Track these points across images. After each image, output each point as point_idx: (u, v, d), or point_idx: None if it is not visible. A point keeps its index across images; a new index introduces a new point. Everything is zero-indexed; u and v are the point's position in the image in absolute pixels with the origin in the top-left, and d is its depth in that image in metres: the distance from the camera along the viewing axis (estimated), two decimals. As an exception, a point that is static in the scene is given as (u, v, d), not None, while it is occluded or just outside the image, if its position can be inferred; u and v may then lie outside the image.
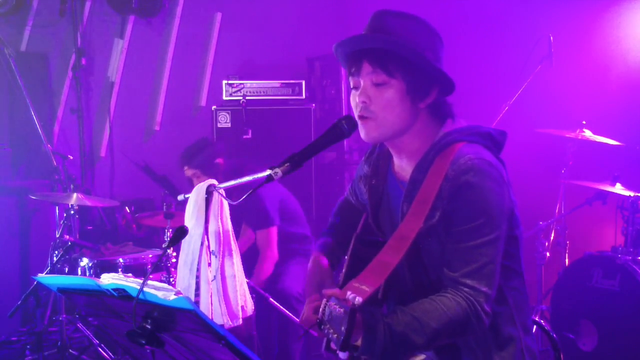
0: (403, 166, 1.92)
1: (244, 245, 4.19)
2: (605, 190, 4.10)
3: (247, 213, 3.97)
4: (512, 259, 1.85)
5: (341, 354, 1.61)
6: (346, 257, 2.10)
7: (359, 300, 1.60)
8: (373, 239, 2.14)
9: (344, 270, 2.06)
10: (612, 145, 4.24)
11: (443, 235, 1.79)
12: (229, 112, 4.88)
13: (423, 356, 1.93)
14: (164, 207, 3.89)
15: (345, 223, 2.24)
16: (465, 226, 1.75)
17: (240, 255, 2.76)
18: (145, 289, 1.54)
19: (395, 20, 1.81)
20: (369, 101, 1.82)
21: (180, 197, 2.67)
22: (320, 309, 1.77)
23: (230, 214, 3.96)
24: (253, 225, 4.01)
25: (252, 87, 4.96)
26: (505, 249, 1.80)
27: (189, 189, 2.67)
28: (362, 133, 1.86)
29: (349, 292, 1.64)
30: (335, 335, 1.61)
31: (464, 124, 1.89)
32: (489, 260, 1.74)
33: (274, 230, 3.98)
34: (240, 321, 2.66)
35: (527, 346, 1.88)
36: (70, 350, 3.97)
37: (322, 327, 1.72)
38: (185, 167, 4.12)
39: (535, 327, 2.16)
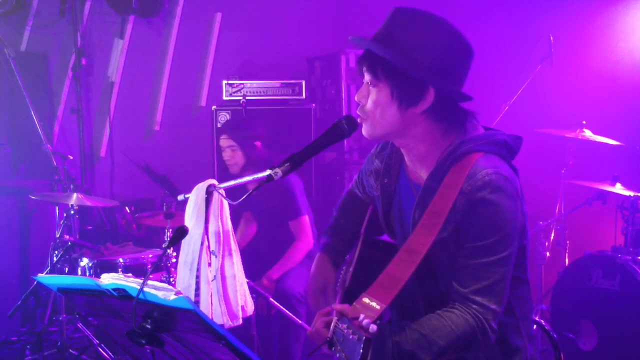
0: (415, 168, 1.90)
1: (244, 240, 4.19)
2: (605, 190, 4.10)
3: (276, 202, 3.99)
4: (519, 269, 1.84)
5: None
6: (353, 259, 2.09)
7: (373, 328, 1.58)
8: (380, 241, 2.13)
9: (351, 271, 2.06)
10: (612, 145, 4.24)
11: (454, 249, 1.77)
12: (229, 112, 4.88)
13: None
14: (164, 207, 3.89)
15: (350, 218, 2.25)
16: (479, 243, 1.73)
17: (240, 250, 2.75)
18: (145, 289, 1.54)
19: (404, 21, 1.78)
20: (364, 100, 1.83)
21: (180, 197, 2.66)
22: (331, 327, 1.76)
23: (256, 205, 3.96)
24: (284, 216, 4.02)
25: (252, 87, 4.96)
26: (514, 261, 1.79)
27: (189, 189, 2.66)
28: (362, 130, 1.89)
29: (361, 316, 1.63)
30: None
31: (480, 131, 1.85)
32: (500, 277, 1.73)
33: (305, 219, 4.02)
34: (240, 321, 2.66)
35: (532, 356, 1.89)
36: (70, 350, 3.96)
37: (333, 348, 1.72)
38: (224, 136, 4.10)
39: (535, 326, 2.16)
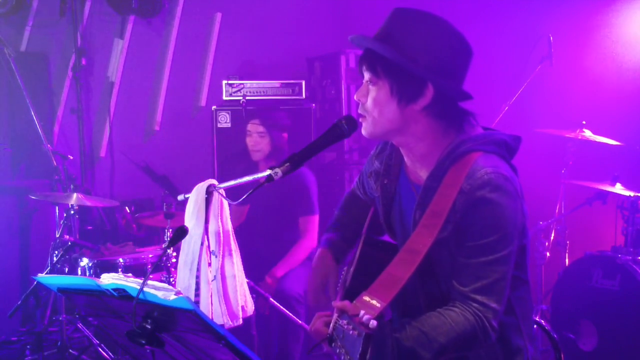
0: (415, 169, 1.91)
1: (237, 220, 4.15)
2: (605, 190, 4.10)
3: (291, 197, 4.00)
4: (519, 269, 1.85)
5: None
6: (354, 259, 2.10)
7: (373, 324, 1.59)
8: (381, 241, 2.14)
9: (352, 270, 2.06)
10: (612, 145, 4.24)
11: (454, 248, 1.78)
12: (229, 112, 4.88)
13: None
14: (164, 207, 3.89)
15: (352, 217, 2.26)
16: (479, 242, 1.73)
17: (235, 230, 2.74)
18: (145, 289, 1.54)
19: (403, 21, 1.80)
20: (364, 99, 1.85)
21: (180, 197, 2.66)
22: (331, 325, 1.76)
23: (270, 194, 3.97)
24: (295, 212, 4.03)
25: (252, 87, 4.96)
26: (515, 260, 1.79)
27: (189, 189, 2.66)
28: (362, 130, 1.90)
29: (362, 312, 1.64)
30: (348, 357, 1.62)
31: (479, 131, 1.86)
32: (500, 276, 1.74)
33: (316, 219, 4.03)
34: (240, 321, 2.66)
35: (532, 356, 1.89)
36: (70, 350, 3.97)
37: (333, 344, 1.72)
38: (256, 121, 4.10)
39: (535, 326, 2.16)
